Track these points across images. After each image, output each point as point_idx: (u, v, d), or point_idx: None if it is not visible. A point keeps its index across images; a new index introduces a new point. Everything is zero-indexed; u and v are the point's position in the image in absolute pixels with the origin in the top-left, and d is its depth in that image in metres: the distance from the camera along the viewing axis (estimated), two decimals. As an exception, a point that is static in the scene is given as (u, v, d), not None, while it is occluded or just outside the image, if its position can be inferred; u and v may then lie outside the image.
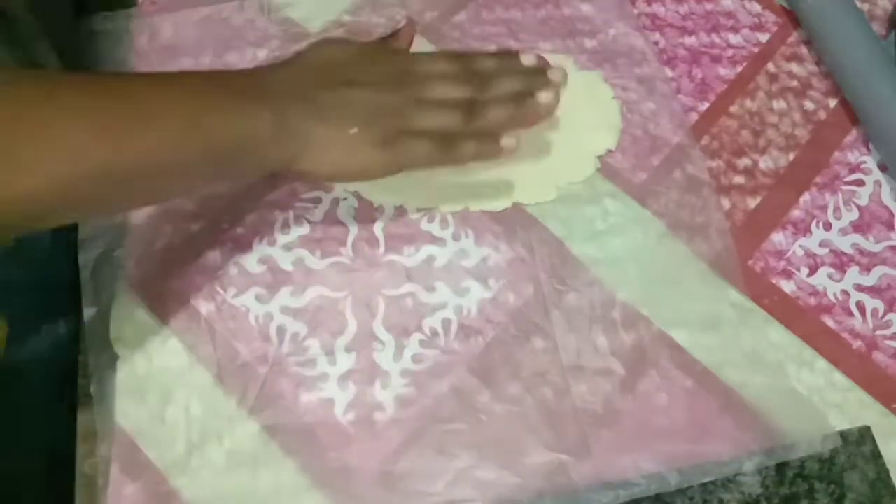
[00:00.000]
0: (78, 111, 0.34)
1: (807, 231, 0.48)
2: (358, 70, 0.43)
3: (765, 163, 0.50)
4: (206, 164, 0.39)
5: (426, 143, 0.42)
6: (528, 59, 0.46)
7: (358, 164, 0.42)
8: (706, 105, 0.52)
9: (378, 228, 0.47)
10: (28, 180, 0.33)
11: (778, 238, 0.47)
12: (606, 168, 0.49)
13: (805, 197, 0.49)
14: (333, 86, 0.42)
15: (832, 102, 0.52)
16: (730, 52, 0.54)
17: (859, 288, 0.46)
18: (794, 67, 0.53)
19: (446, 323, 0.44)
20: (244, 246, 0.46)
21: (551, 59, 0.52)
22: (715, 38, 0.54)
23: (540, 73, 0.45)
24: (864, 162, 0.50)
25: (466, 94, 0.43)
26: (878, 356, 0.44)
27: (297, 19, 0.54)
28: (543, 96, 0.44)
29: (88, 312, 0.44)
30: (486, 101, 0.43)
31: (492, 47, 0.53)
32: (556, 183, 0.48)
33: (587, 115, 0.50)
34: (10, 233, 0.38)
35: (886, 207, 0.49)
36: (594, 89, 0.52)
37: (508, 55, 0.46)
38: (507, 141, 0.43)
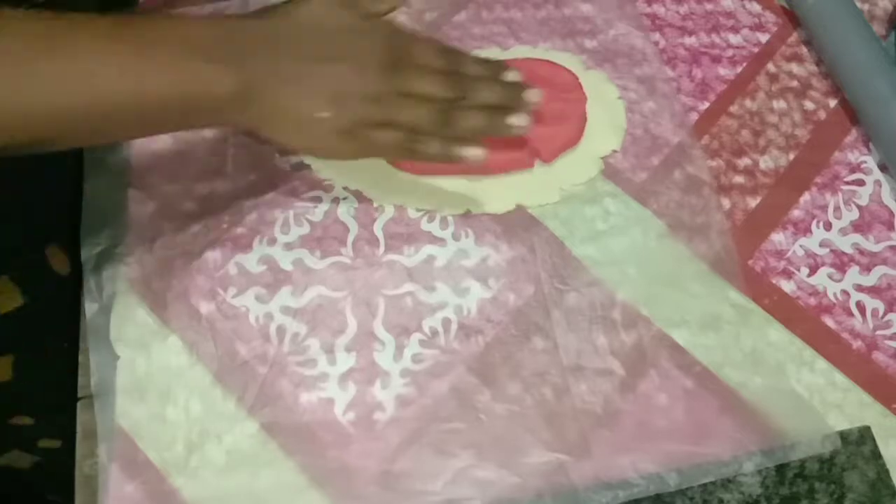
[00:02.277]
0: (25, 49, 0.34)
1: (807, 231, 0.48)
2: (346, 44, 0.40)
3: (765, 163, 0.50)
4: (164, 116, 0.38)
5: (393, 136, 0.41)
6: (511, 75, 0.44)
7: (323, 148, 0.41)
8: (706, 105, 0.52)
9: (378, 228, 0.47)
10: None
11: (778, 238, 0.47)
12: (607, 168, 0.49)
13: (805, 197, 0.49)
14: (316, 59, 0.39)
15: (832, 102, 0.52)
16: (730, 52, 0.54)
17: (859, 288, 0.46)
18: (794, 67, 0.53)
19: (446, 323, 0.44)
20: (244, 246, 0.46)
21: (557, 57, 0.52)
22: (715, 38, 0.54)
23: (518, 89, 0.43)
24: (864, 162, 0.50)
25: (447, 94, 0.42)
26: (878, 356, 0.44)
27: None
28: (515, 120, 0.42)
29: (91, 308, 0.44)
30: (462, 108, 0.42)
31: (493, 48, 0.53)
32: (560, 185, 0.48)
33: (593, 115, 0.50)
34: None
35: (886, 207, 0.49)
36: (600, 89, 0.52)
37: (496, 63, 0.44)
38: (472, 152, 0.41)
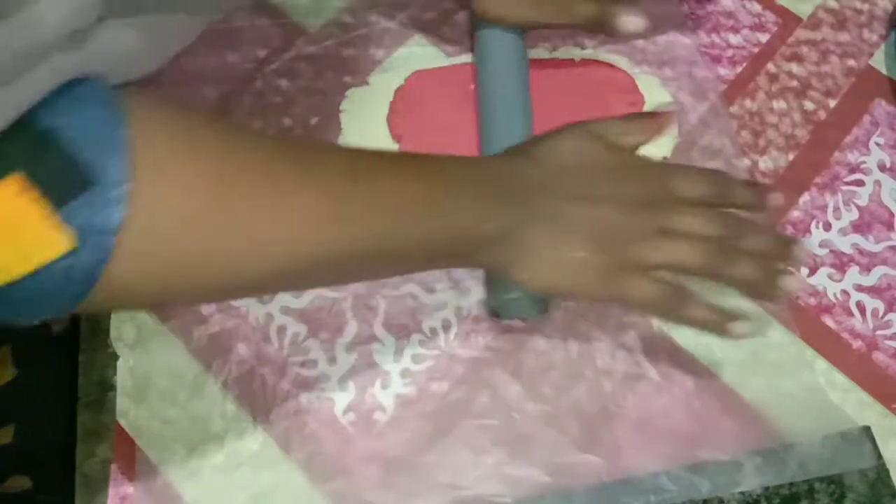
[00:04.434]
0: (319, 195, 0.32)
1: (806, 231, 0.48)
2: (601, 182, 0.38)
3: (765, 163, 0.50)
4: (426, 257, 0.37)
5: (652, 289, 0.37)
6: (775, 199, 0.40)
7: (574, 287, 0.38)
8: (706, 105, 0.52)
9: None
10: (245, 263, 0.31)
11: (778, 238, 0.47)
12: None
13: (805, 197, 0.49)
14: (571, 198, 0.38)
15: (832, 102, 0.52)
16: (730, 52, 0.54)
17: (859, 288, 0.46)
18: (794, 67, 0.53)
19: (446, 323, 0.44)
20: (244, 246, 0.46)
21: (605, 58, 0.51)
22: (715, 38, 0.54)
23: (790, 242, 0.40)
24: (864, 162, 0.50)
25: (715, 231, 0.38)
26: (878, 356, 0.44)
27: (297, 19, 0.54)
28: (789, 283, 0.38)
29: (90, 310, 0.44)
30: (735, 252, 0.38)
31: (539, 48, 0.52)
32: None
33: None
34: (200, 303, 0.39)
35: (886, 207, 0.49)
36: (651, 94, 0.50)
37: (761, 186, 0.41)
38: (741, 327, 0.37)
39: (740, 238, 0.38)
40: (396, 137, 0.49)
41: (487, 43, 0.49)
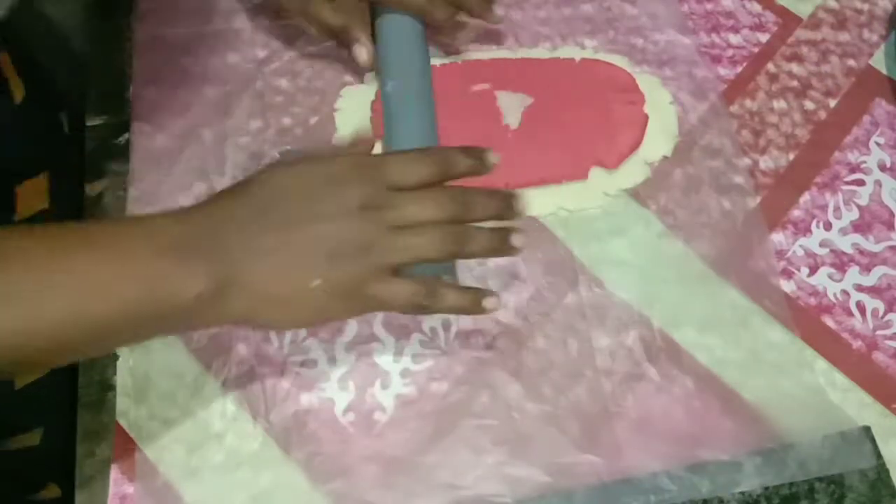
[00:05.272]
0: None
1: (807, 231, 0.48)
2: (320, 196, 0.36)
3: (765, 163, 0.50)
4: (136, 330, 0.35)
5: (400, 290, 0.36)
6: (492, 158, 0.38)
7: (324, 317, 0.37)
8: (706, 105, 0.52)
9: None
10: None
11: (778, 238, 0.47)
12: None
13: (805, 197, 0.49)
14: (293, 223, 0.35)
15: (832, 102, 0.52)
16: (730, 52, 0.54)
17: (859, 288, 0.46)
18: (794, 67, 0.53)
19: (446, 323, 0.44)
20: (244, 246, 0.46)
21: (606, 59, 0.52)
22: (715, 38, 0.54)
23: (511, 198, 0.38)
24: (864, 162, 0.50)
25: (445, 214, 0.37)
26: (878, 356, 0.44)
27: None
28: (517, 241, 0.38)
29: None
30: (468, 226, 0.37)
31: (540, 48, 0.53)
32: (606, 189, 0.48)
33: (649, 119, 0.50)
34: None
35: (886, 207, 0.49)
36: (652, 93, 0.51)
37: (479, 150, 0.39)
38: (490, 302, 0.38)
39: (469, 209, 0.37)
40: (379, 136, 0.48)
41: (380, 22, 0.49)
